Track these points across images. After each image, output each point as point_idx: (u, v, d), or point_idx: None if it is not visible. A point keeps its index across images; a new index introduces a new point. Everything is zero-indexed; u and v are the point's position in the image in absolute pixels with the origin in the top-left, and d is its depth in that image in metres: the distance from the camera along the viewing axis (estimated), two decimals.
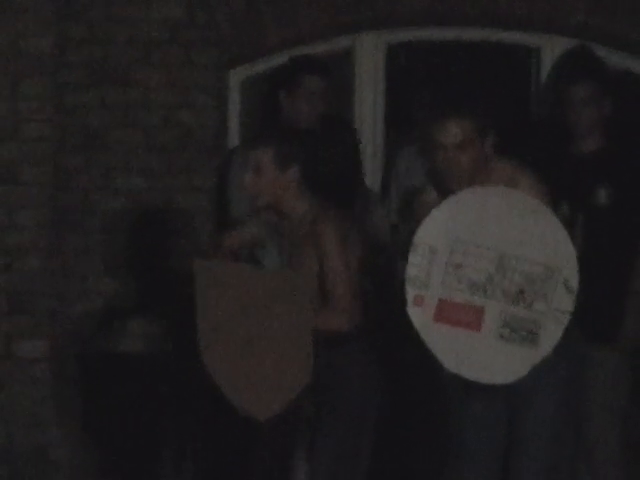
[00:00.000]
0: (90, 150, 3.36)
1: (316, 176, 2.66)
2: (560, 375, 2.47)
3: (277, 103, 3.32)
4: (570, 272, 2.40)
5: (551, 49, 3.61)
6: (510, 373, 2.40)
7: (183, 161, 3.47)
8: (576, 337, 2.46)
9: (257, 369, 2.44)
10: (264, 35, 3.54)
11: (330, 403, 2.56)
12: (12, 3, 3.26)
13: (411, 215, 2.82)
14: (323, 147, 3.03)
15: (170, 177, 3.52)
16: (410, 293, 2.41)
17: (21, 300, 3.33)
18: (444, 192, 2.47)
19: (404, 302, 3.28)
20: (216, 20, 3.50)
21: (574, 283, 2.38)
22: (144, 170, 3.43)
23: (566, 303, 2.37)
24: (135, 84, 3.46)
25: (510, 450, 2.54)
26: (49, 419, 3.30)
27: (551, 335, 2.38)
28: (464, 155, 2.45)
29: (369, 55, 3.70)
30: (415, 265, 2.41)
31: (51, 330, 3.34)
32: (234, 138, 3.66)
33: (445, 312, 2.42)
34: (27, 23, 3.29)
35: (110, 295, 3.39)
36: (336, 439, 2.58)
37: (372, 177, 3.54)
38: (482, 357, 2.43)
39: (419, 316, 2.39)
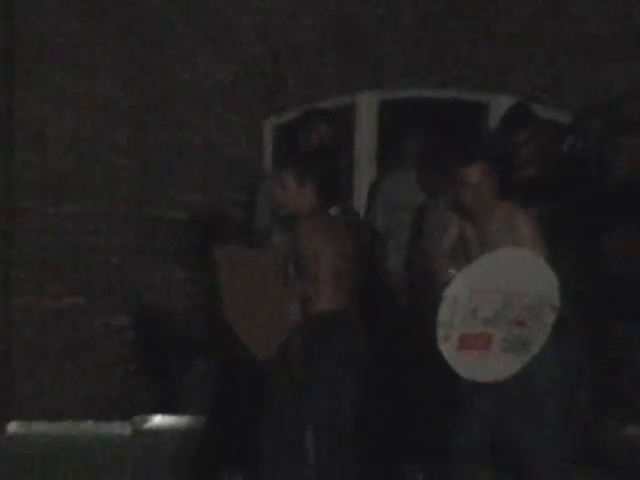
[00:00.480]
0: (166, 175, 4.62)
1: (329, 193, 3.29)
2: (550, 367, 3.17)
3: (297, 142, 4.23)
4: (553, 296, 3.04)
5: (497, 105, 4.75)
6: (504, 373, 3.09)
7: (230, 184, 4.70)
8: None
9: (258, 321, 3.08)
10: (288, 94, 4.74)
11: (316, 369, 3.07)
12: None
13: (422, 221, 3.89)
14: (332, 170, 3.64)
15: (219, 195, 4.74)
16: (440, 333, 2.95)
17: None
18: (464, 216, 3.23)
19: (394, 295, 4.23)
20: (255, 83, 4.73)
21: (556, 303, 3.04)
22: (202, 188, 4.69)
23: (551, 317, 3.05)
24: (196, 128, 4.71)
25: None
26: None
27: (539, 341, 3.07)
28: (479, 190, 3.11)
29: (366, 108, 4.84)
30: (443, 312, 2.95)
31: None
32: (268, 168, 4.69)
33: (465, 342, 3.00)
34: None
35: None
36: (321, 393, 3.10)
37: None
38: (488, 366, 3.07)
39: (447, 349, 2.98)
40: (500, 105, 4.67)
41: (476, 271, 3.01)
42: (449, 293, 2.94)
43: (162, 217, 4.61)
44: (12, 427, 4.39)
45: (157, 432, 4.54)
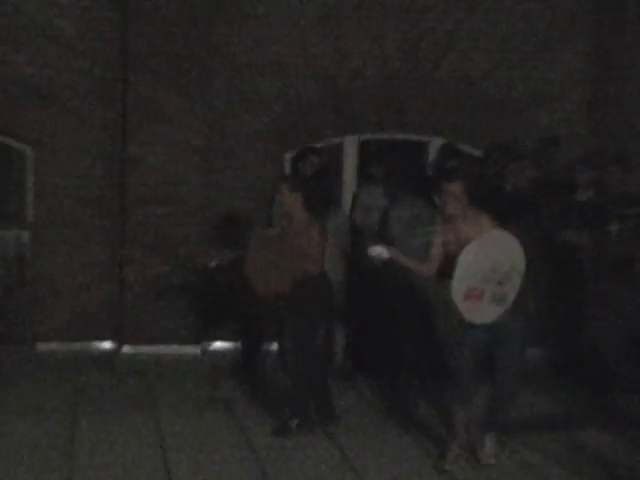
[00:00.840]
0: (226, 189, 7.10)
1: (310, 201, 4.92)
2: (516, 318, 4.21)
3: (297, 168, 6.50)
4: (521, 265, 4.08)
5: (433, 143, 7.24)
6: (492, 317, 4.14)
7: (261, 194, 7.07)
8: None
9: (269, 277, 4.76)
10: (299, 137, 7.17)
11: (295, 308, 4.82)
12: None
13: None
14: (316, 186, 5.56)
15: (252, 204, 7.12)
16: (455, 286, 4.06)
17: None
18: (446, 218, 4.30)
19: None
20: (278, 130, 7.17)
21: (522, 270, 4.07)
22: (244, 199, 7.16)
23: (518, 280, 4.10)
24: (244, 159, 7.16)
25: (496, 349, 4.23)
26: None
27: (511, 297, 4.11)
28: (458, 200, 4.19)
29: (350, 146, 7.31)
30: (458, 272, 4.05)
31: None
32: None
33: (468, 294, 4.08)
34: None
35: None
36: (296, 324, 4.86)
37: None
38: (480, 312, 4.13)
39: (458, 298, 4.06)
40: (435, 144, 7.18)
41: (477, 246, 4.11)
42: (462, 259, 4.08)
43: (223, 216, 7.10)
44: (126, 348, 6.83)
45: (217, 352, 7.06)
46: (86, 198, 6.97)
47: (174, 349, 6.78)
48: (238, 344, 6.84)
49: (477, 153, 7.24)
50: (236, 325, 6.90)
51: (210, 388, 6.20)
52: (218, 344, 7.11)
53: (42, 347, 6.92)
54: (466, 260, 4.08)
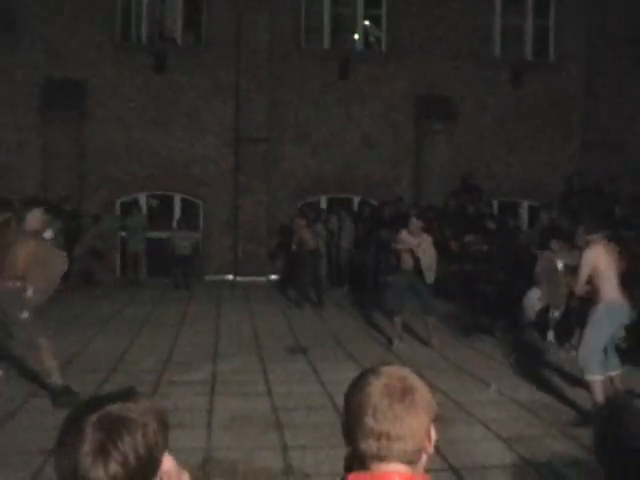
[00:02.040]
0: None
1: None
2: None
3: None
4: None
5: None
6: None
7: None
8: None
9: None
10: (306, 199, 18.33)
11: (312, 257, 14.61)
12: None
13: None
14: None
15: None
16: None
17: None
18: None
19: None
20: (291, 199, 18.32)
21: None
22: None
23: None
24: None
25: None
26: None
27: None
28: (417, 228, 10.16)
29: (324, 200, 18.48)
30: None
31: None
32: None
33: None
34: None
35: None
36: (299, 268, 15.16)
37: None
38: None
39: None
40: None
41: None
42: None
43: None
44: (238, 278, 17.80)
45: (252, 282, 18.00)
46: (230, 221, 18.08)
47: (258, 279, 17.75)
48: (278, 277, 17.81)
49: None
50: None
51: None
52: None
53: (207, 278, 17.95)
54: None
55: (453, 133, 17.98)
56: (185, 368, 8.65)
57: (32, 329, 7.04)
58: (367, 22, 18.93)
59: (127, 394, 1.59)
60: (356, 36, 18.80)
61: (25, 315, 6.97)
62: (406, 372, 1.82)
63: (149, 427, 1.54)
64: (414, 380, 1.80)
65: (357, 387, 1.80)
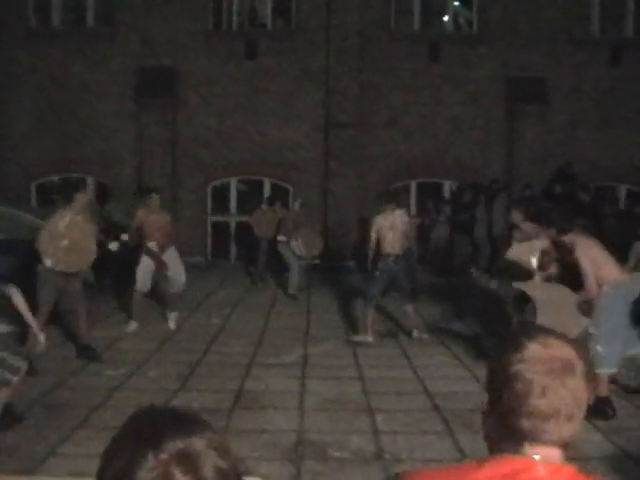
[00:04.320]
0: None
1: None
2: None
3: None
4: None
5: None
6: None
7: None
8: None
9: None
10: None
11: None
12: None
13: None
14: None
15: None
16: None
17: None
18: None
19: None
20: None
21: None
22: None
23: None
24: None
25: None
26: None
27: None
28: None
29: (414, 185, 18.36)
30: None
31: None
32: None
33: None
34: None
35: None
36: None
37: None
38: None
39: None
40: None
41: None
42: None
43: None
44: None
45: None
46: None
47: (345, 264, 17.79)
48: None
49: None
50: None
51: None
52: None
53: None
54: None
55: (545, 116, 17.52)
56: (276, 351, 8.77)
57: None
58: (457, 3, 18.63)
59: (185, 418, 1.28)
60: (446, 18, 18.53)
61: None
62: (564, 342, 1.61)
63: (227, 460, 1.24)
64: (572, 351, 1.59)
65: (518, 358, 1.57)
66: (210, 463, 1.21)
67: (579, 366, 1.57)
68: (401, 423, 6.20)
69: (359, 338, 9.44)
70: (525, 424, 1.54)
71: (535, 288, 7.15)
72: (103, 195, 16.47)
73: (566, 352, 1.58)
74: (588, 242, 6.64)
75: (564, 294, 6.79)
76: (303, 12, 17.68)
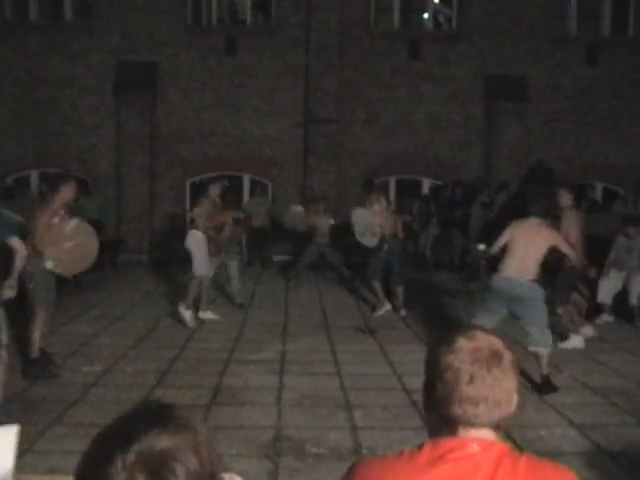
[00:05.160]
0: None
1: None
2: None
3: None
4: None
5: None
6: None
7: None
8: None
9: None
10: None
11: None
12: None
13: None
14: None
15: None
16: None
17: None
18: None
19: None
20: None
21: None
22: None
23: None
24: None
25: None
26: None
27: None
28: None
29: (393, 182, 18.41)
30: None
31: None
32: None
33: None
34: None
35: None
36: None
37: None
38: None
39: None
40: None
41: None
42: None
43: None
44: None
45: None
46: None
47: None
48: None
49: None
50: None
51: None
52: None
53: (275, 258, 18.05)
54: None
55: (524, 114, 17.62)
56: (255, 347, 8.76)
57: None
58: (437, 1, 18.68)
59: (161, 416, 1.23)
60: (426, 15, 18.57)
61: None
62: (491, 336, 1.79)
63: (199, 460, 1.20)
64: (499, 343, 1.77)
65: (447, 350, 1.76)
66: (182, 466, 1.16)
67: (507, 356, 1.74)
68: (379, 419, 6.22)
69: (380, 312, 10.96)
70: (457, 410, 1.70)
71: None
72: (82, 190, 16.32)
73: (492, 343, 1.75)
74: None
75: None
76: (283, 9, 17.66)
